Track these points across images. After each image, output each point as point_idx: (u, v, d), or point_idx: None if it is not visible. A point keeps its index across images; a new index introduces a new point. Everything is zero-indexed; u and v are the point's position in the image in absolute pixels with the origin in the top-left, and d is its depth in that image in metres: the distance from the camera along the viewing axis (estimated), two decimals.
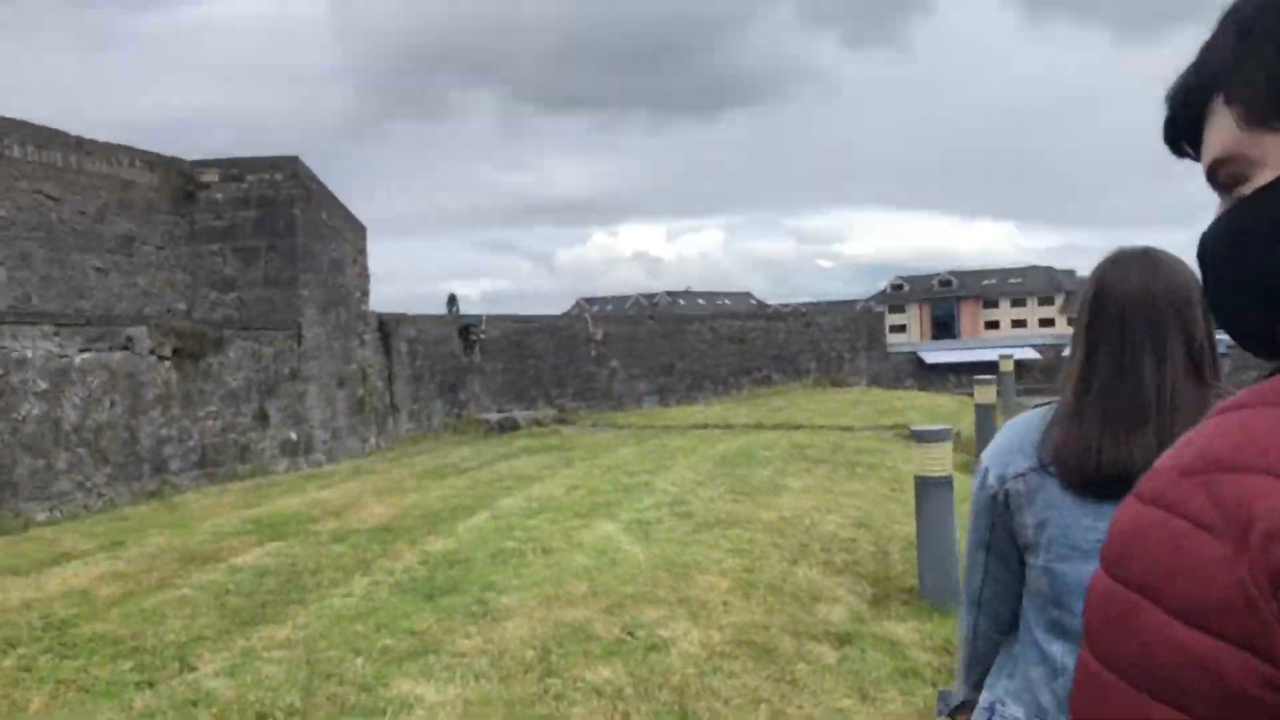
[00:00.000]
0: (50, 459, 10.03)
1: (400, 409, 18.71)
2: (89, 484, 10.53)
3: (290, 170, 15.06)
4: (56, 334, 10.27)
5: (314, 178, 15.60)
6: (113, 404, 10.95)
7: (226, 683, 5.16)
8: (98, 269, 13.06)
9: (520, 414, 21.02)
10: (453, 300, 30.89)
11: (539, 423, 20.48)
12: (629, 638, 5.84)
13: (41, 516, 9.82)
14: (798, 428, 18.90)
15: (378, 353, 18.01)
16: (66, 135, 12.67)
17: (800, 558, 7.95)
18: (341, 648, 5.68)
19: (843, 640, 6.19)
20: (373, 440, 17.06)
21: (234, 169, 15.01)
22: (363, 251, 17.74)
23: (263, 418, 13.71)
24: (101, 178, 13.16)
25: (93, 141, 13.12)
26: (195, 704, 4.89)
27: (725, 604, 6.57)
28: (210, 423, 12.61)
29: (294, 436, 14.38)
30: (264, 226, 14.89)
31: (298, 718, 4.71)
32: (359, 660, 5.46)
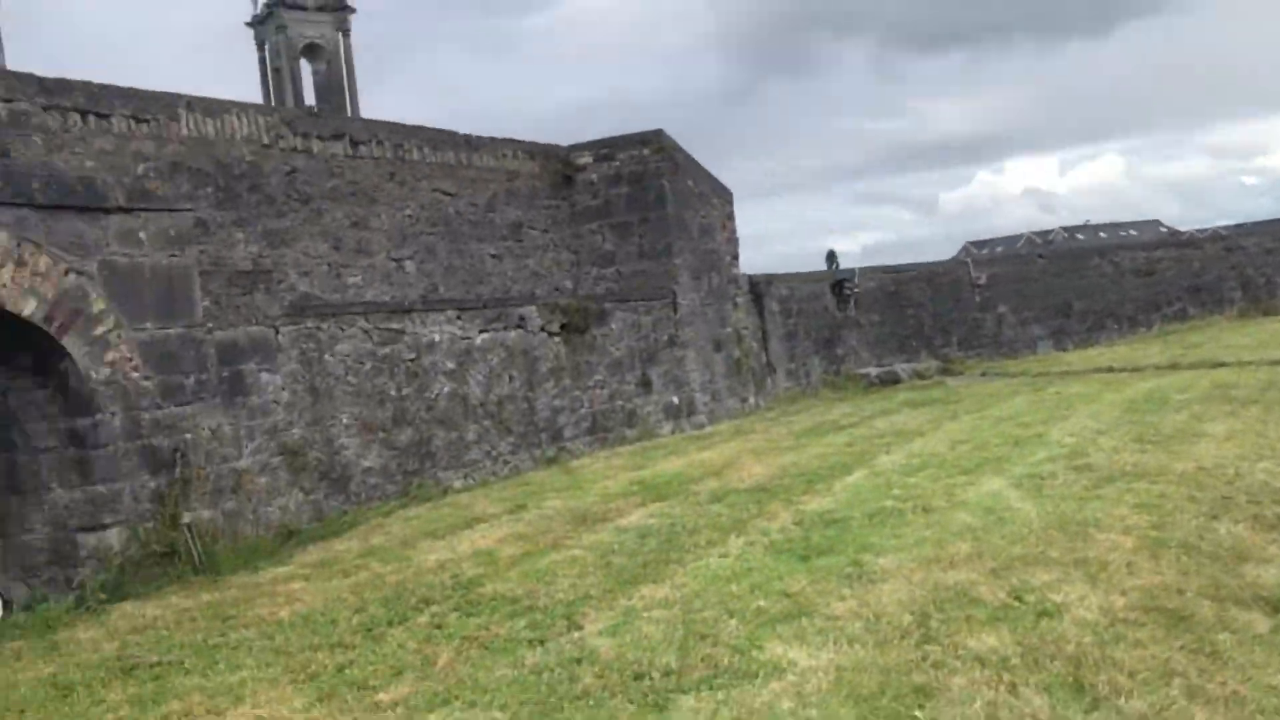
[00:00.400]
0: (461, 431, 11.00)
1: (777, 368, 18.79)
2: (495, 452, 11.44)
3: (656, 144, 15.48)
4: (459, 317, 11.22)
5: (679, 148, 15.94)
6: (511, 379, 11.81)
7: (608, 642, 5.34)
8: (492, 255, 14.14)
9: (900, 366, 20.42)
10: (832, 257, 30.43)
11: (921, 375, 19.79)
12: (1016, 602, 5.39)
13: (457, 484, 10.79)
14: (1220, 365, 16.89)
15: (751, 314, 18.16)
16: (457, 135, 13.80)
17: (1222, 512, 7.01)
18: (716, 608, 5.71)
19: (1277, 607, 5.35)
20: (751, 400, 17.26)
21: (605, 149, 15.66)
22: (730, 216, 17.94)
23: (645, 384, 14.25)
24: (489, 171, 14.21)
25: (480, 138, 14.19)
26: (579, 662, 5.09)
27: (1129, 565, 5.91)
28: (598, 391, 13.28)
29: (676, 400, 14.83)
30: (636, 201, 15.43)
31: (673, 678, 4.75)
32: (733, 621, 5.45)
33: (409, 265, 12.72)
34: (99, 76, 9.77)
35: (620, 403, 13.71)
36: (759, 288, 18.75)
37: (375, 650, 5.69)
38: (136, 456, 7.78)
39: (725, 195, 17.94)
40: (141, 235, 7.95)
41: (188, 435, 8.14)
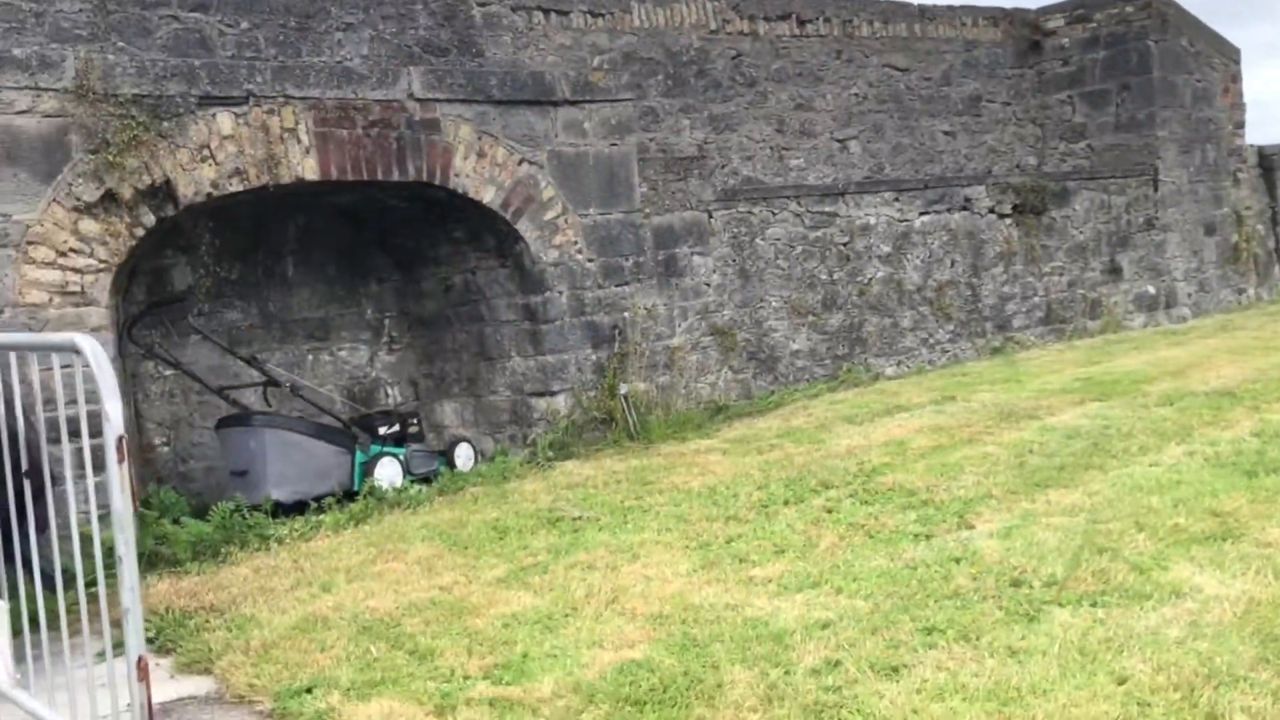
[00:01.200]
0: (895, 317, 10.77)
1: None
2: (932, 340, 11.10)
3: (1142, 0, 13.74)
4: (896, 199, 10.89)
5: (1170, 2, 14.02)
6: (953, 263, 11.31)
7: (995, 544, 5.07)
8: (945, 132, 13.48)
9: None
10: None
11: None
12: None
13: (889, 371, 10.64)
14: None
15: (1258, 192, 15.78)
16: (910, 5, 13.16)
17: None
18: (1126, 521, 5.19)
19: None
20: (1251, 292, 15.13)
21: (1080, 9, 14.18)
22: (1235, 78, 15.52)
23: (1114, 271, 13.00)
24: (945, 42, 13.45)
25: (935, 7, 13.43)
26: (958, 561, 4.89)
27: None
28: (1055, 278, 12.34)
29: (1151, 290, 13.40)
30: (1114, 66, 13.89)
31: (1053, 590, 4.42)
32: (1140, 537, 4.94)
33: (854, 145, 12.50)
34: None
35: (1081, 291, 12.65)
36: (1270, 160, 16.20)
37: (765, 527, 5.86)
38: (580, 331, 8.51)
39: (1229, 54, 15.56)
40: (586, 126, 8.53)
41: (625, 313, 8.75)
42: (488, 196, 8.02)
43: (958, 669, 3.76)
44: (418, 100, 7.64)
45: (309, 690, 4.20)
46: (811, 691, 3.72)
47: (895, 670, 3.83)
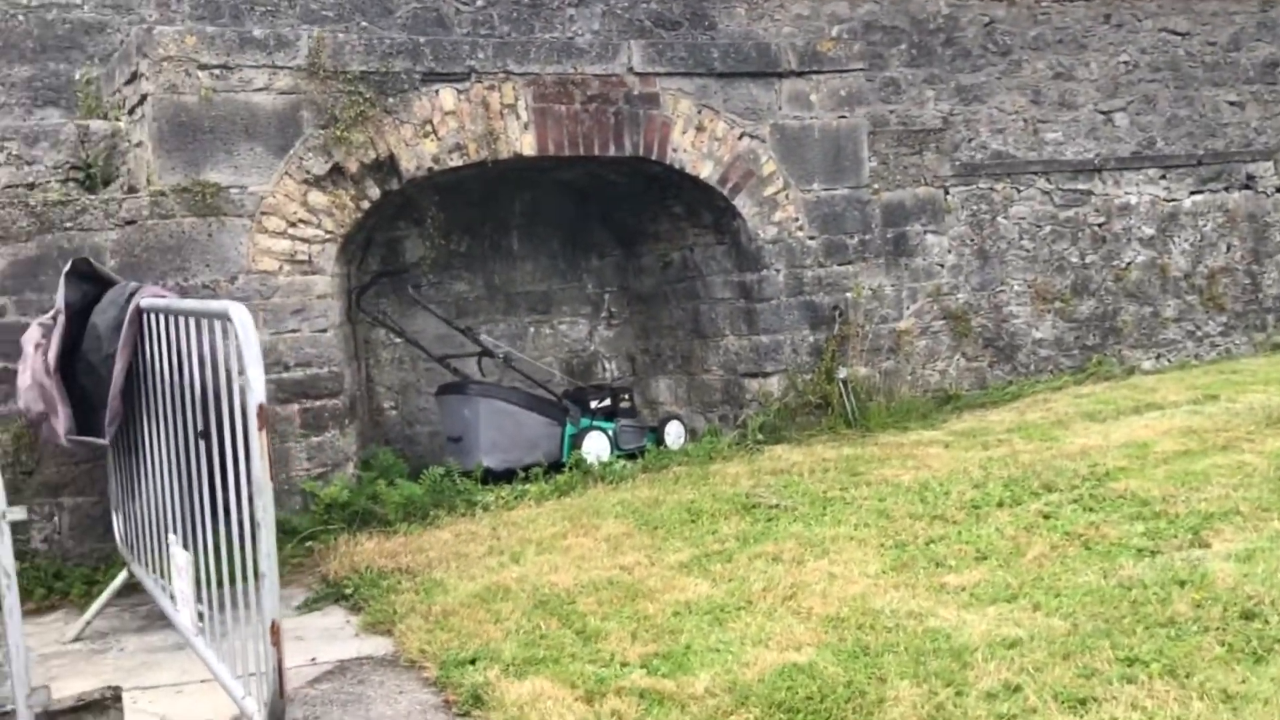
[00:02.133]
0: (1156, 306, 9.80)
1: None
2: (1200, 333, 10.03)
3: None
4: (1163, 176, 9.88)
5: None
6: (1229, 248, 10.17)
7: (1230, 568, 4.45)
8: (1232, 103, 12.11)
9: None
10: None
11: None
12: None
13: (1147, 365, 9.71)
14: None
15: None
16: None
17: None
18: None
19: None
20: None
21: None
22: None
23: None
24: (1235, 1, 12.07)
25: None
26: (1182, 585, 4.33)
27: None
28: None
29: None
30: None
31: None
32: None
33: (1120, 118, 11.45)
34: None
35: None
36: None
37: (972, 530, 5.43)
38: (797, 311, 8.23)
39: None
40: (812, 98, 8.20)
41: (847, 294, 8.38)
42: (705, 172, 7.86)
43: (1156, 710, 3.31)
44: (637, 74, 7.56)
45: (473, 661, 4.23)
46: (982, 718, 3.38)
47: (1082, 703, 3.42)
